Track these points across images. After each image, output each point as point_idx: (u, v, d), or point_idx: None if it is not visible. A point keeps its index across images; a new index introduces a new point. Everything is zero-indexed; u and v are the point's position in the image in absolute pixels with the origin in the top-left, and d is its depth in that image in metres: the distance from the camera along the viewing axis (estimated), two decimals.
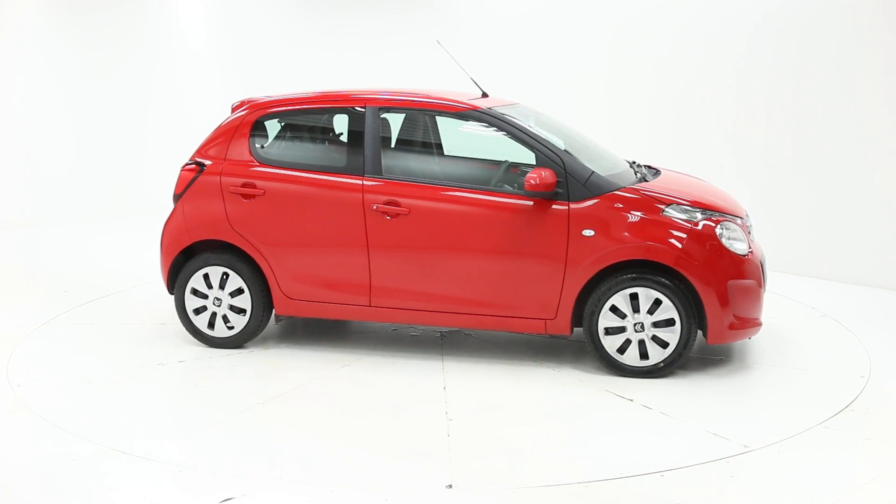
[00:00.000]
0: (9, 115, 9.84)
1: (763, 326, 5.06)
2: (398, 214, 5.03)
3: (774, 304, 6.46)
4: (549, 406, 4.51)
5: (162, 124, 11.05)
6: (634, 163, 5.66)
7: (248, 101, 5.58)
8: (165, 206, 10.77)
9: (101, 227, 9.84)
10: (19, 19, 9.85)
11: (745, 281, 4.82)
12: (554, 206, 4.86)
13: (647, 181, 5.21)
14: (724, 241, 4.81)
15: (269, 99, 5.54)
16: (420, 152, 5.63)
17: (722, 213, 4.98)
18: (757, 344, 5.43)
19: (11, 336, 5.68)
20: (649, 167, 5.72)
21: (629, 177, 5.19)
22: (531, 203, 4.89)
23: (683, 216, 4.84)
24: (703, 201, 5.00)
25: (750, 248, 4.92)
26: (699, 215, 4.87)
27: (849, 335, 5.70)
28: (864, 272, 7.04)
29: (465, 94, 5.58)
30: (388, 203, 5.04)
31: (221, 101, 11.37)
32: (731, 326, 4.80)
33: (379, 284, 5.14)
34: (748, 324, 4.88)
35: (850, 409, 4.45)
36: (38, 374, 5.01)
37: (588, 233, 4.82)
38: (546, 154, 4.94)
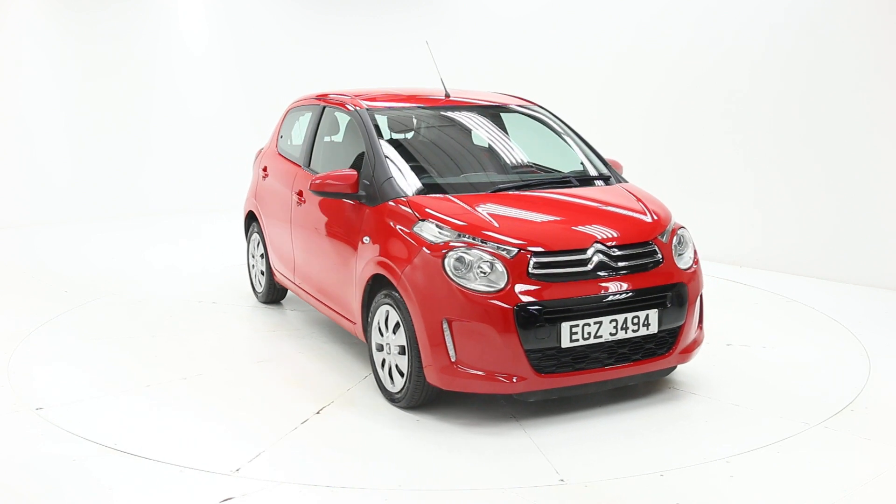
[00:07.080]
0: (9, 114, 9.85)
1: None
2: (301, 203, 5.50)
3: (775, 303, 6.46)
4: (545, 406, 4.52)
5: (162, 124, 11.05)
6: (583, 173, 5.03)
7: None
8: (165, 205, 10.85)
9: (101, 227, 9.84)
10: (20, 19, 9.86)
11: (473, 323, 3.98)
12: (357, 209, 4.74)
13: (507, 191, 4.61)
14: (450, 270, 4.05)
15: (301, 98, 6.34)
16: (344, 147, 5.76)
17: (500, 244, 4.09)
18: (757, 344, 5.42)
19: (11, 336, 5.68)
20: (597, 177, 5.04)
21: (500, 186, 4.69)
22: (351, 203, 4.80)
23: (429, 235, 4.22)
24: (490, 220, 4.23)
25: (504, 288, 4.00)
26: (446, 237, 4.17)
27: (849, 335, 5.70)
28: (864, 272, 7.05)
29: (433, 91, 5.68)
30: (298, 193, 5.56)
31: (221, 99, 11.39)
32: (446, 371, 4.04)
33: (297, 266, 5.68)
34: (480, 376, 4.02)
35: (849, 409, 4.45)
36: (38, 374, 5.01)
37: (366, 240, 4.59)
38: (368, 155, 4.85)
